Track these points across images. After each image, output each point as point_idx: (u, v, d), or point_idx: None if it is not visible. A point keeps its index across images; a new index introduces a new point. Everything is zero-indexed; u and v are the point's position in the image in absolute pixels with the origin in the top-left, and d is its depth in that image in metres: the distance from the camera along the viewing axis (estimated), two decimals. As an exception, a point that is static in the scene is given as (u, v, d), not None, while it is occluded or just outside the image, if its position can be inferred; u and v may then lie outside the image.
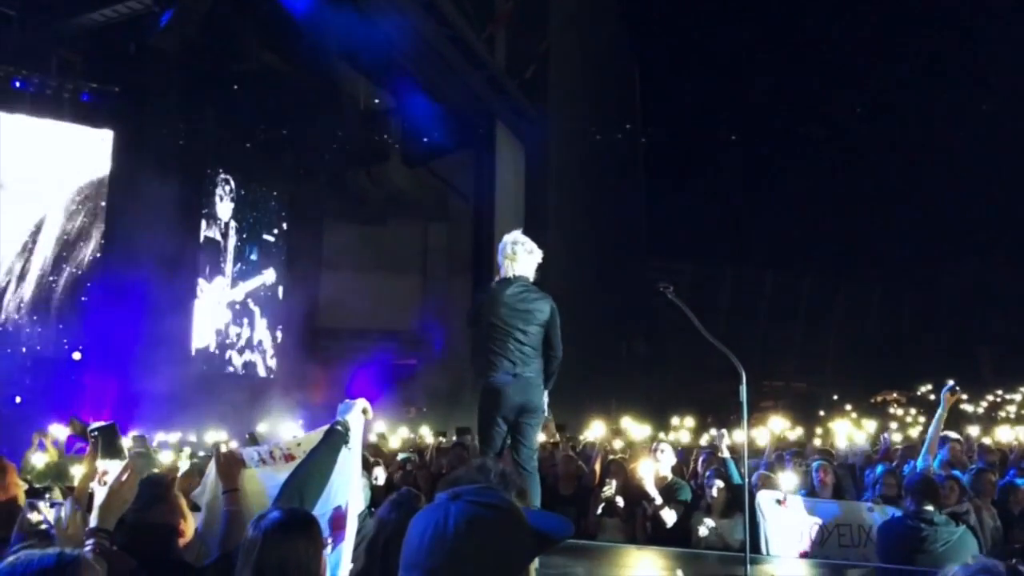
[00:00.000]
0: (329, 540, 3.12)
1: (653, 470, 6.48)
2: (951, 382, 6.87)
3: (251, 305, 21.49)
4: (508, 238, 5.38)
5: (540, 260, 5.36)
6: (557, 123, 24.29)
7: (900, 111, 41.05)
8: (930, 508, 5.01)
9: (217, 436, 11.92)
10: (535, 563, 1.56)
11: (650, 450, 7.46)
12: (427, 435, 13.03)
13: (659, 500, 6.25)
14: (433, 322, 21.84)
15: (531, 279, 5.30)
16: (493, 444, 5.19)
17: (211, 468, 3.61)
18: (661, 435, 10.94)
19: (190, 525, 3.18)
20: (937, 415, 6.79)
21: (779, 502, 5.99)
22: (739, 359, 4.61)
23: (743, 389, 4.47)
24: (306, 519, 2.63)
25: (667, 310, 5.01)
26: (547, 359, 5.19)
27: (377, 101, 22.63)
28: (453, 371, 21.74)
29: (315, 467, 3.25)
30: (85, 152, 16.47)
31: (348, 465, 3.33)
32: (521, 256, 5.27)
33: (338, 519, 3.26)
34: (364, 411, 3.50)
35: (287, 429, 11.10)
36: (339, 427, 3.38)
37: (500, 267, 5.37)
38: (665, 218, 36.17)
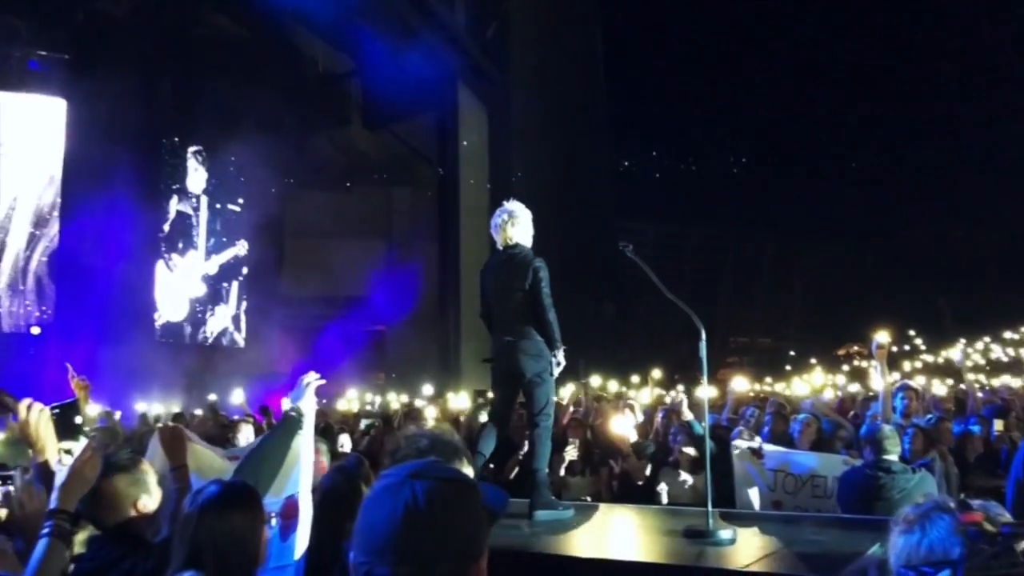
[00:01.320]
0: (273, 523, 3.12)
1: (628, 423, 6.59)
2: (879, 338, 7.02)
3: (224, 277, 21.34)
4: (497, 211, 5.52)
5: (527, 223, 5.44)
6: (520, 84, 24.12)
7: (861, 69, 41.28)
8: (888, 457, 5.11)
9: (190, 406, 11.91)
10: None
11: (619, 407, 7.55)
12: (394, 401, 13.07)
13: (631, 442, 6.37)
14: (400, 287, 21.77)
15: (526, 244, 5.40)
16: (495, 412, 5.48)
17: (154, 444, 3.60)
18: (630, 393, 11.04)
19: (155, 499, 3.15)
20: (878, 368, 6.99)
21: (754, 451, 6.08)
22: (704, 317, 4.65)
23: (703, 345, 4.51)
24: (245, 493, 2.58)
25: (634, 270, 5.03)
26: (540, 322, 5.20)
27: (336, 64, 22.31)
28: (421, 336, 21.75)
29: (270, 451, 3.24)
30: (44, 123, 16.16)
31: (301, 451, 3.34)
32: (507, 227, 5.38)
33: (290, 507, 3.26)
34: (312, 385, 3.50)
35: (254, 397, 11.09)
36: (293, 413, 3.37)
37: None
38: (630, 178, 36.27)
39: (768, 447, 6.17)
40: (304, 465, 3.31)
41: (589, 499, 6.31)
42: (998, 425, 7.49)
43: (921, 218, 42.04)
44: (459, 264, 22.12)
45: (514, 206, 5.42)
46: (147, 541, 2.98)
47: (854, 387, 15.46)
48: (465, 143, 22.76)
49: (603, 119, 34.22)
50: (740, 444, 6.14)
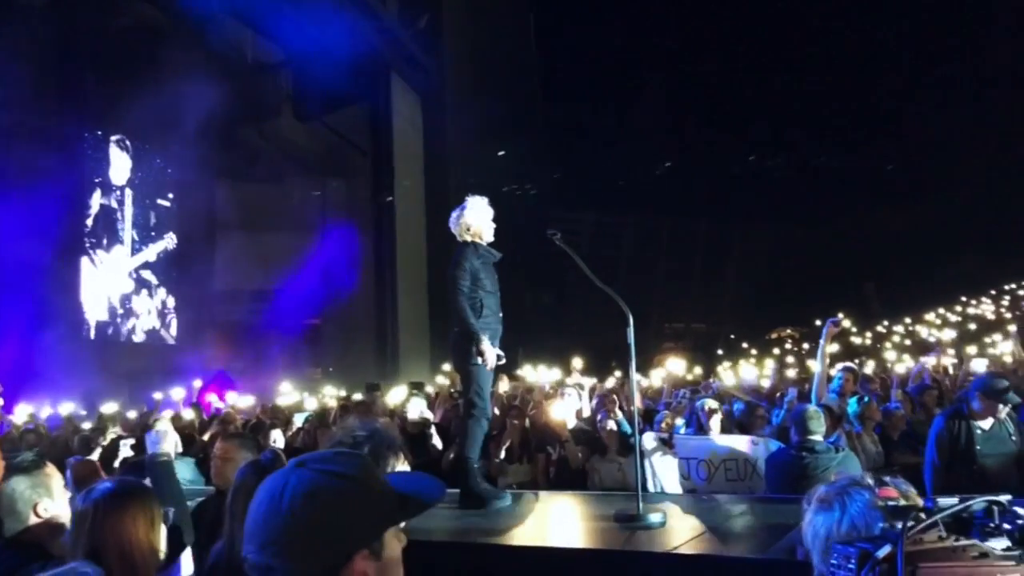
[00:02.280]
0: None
1: (567, 409, 6.66)
2: (835, 319, 7.17)
3: (152, 272, 20.85)
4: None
5: (467, 214, 5.44)
6: (453, 74, 24.02)
7: (795, 59, 42.06)
8: (812, 438, 5.26)
9: (114, 407, 11.64)
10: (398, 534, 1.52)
11: (557, 394, 7.63)
12: (330, 395, 12.95)
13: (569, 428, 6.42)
14: (335, 280, 21.55)
15: (466, 235, 5.42)
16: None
17: (68, 477, 3.56)
18: (567, 380, 11.12)
19: (59, 505, 3.03)
20: (820, 348, 7.13)
21: (664, 442, 6.20)
22: (640, 303, 4.72)
23: (630, 331, 4.56)
24: (140, 489, 2.56)
25: (571, 258, 5.08)
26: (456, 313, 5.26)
27: (266, 54, 21.92)
28: (358, 329, 21.58)
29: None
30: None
31: None
32: (454, 225, 5.47)
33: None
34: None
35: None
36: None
37: None
38: (565, 168, 36.38)
39: (679, 436, 6.31)
40: None
41: (515, 486, 6.35)
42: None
43: (850, 205, 43.07)
44: (395, 256, 21.99)
45: (467, 200, 5.50)
46: (48, 551, 2.83)
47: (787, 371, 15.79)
48: (399, 136, 22.60)
49: (537, 109, 34.28)
50: (650, 436, 6.28)
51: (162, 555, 2.56)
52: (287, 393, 13.03)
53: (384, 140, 22.71)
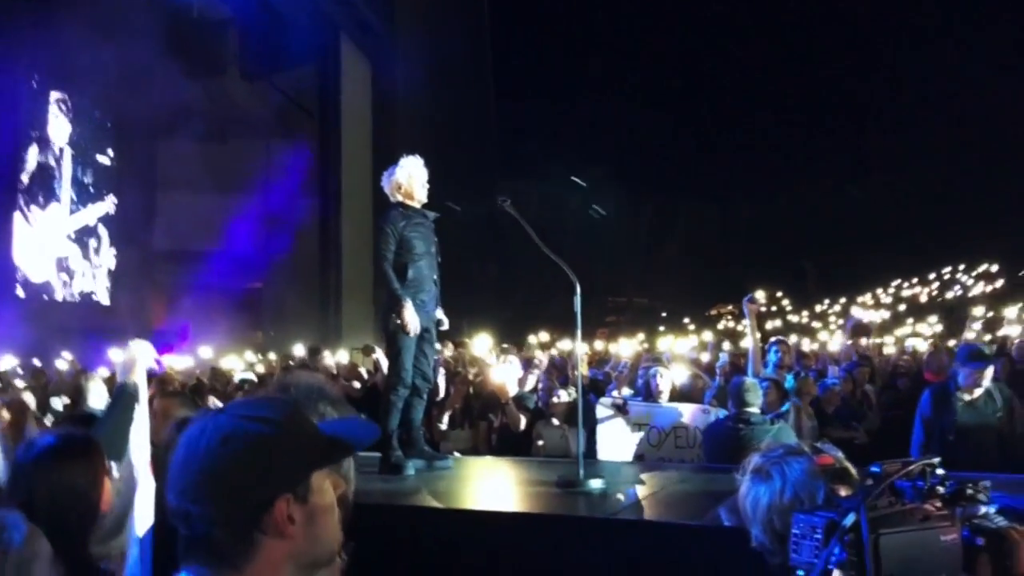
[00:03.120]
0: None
1: (509, 373, 6.68)
2: (750, 296, 7.33)
3: (90, 232, 20.27)
4: None
5: (396, 176, 5.35)
6: (405, 38, 23.68)
7: (743, 40, 42.39)
8: (748, 409, 5.35)
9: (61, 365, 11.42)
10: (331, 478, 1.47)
11: (498, 360, 7.65)
12: (271, 359, 12.82)
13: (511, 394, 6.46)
14: (278, 244, 21.19)
15: (395, 196, 5.35)
16: None
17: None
18: (505, 346, 11.15)
19: None
20: (748, 325, 7.30)
21: (618, 408, 6.25)
22: (584, 277, 4.69)
23: (577, 300, 4.57)
24: (84, 443, 2.50)
25: (518, 229, 5.04)
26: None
27: (212, 11, 21.30)
28: (300, 294, 21.31)
29: (112, 429, 3.15)
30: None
31: (140, 419, 3.28)
32: (385, 184, 5.41)
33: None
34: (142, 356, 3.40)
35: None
36: (128, 387, 3.30)
37: None
38: (514, 136, 36.29)
39: (633, 403, 6.37)
40: (139, 442, 3.21)
41: (458, 454, 6.35)
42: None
43: (792, 185, 43.78)
44: (340, 220, 21.71)
45: (401, 160, 5.38)
46: None
47: (725, 345, 16.04)
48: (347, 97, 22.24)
49: (488, 75, 34.04)
50: (604, 402, 6.33)
51: (108, 508, 2.51)
52: (227, 356, 12.85)
53: (332, 104, 22.28)
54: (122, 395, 3.27)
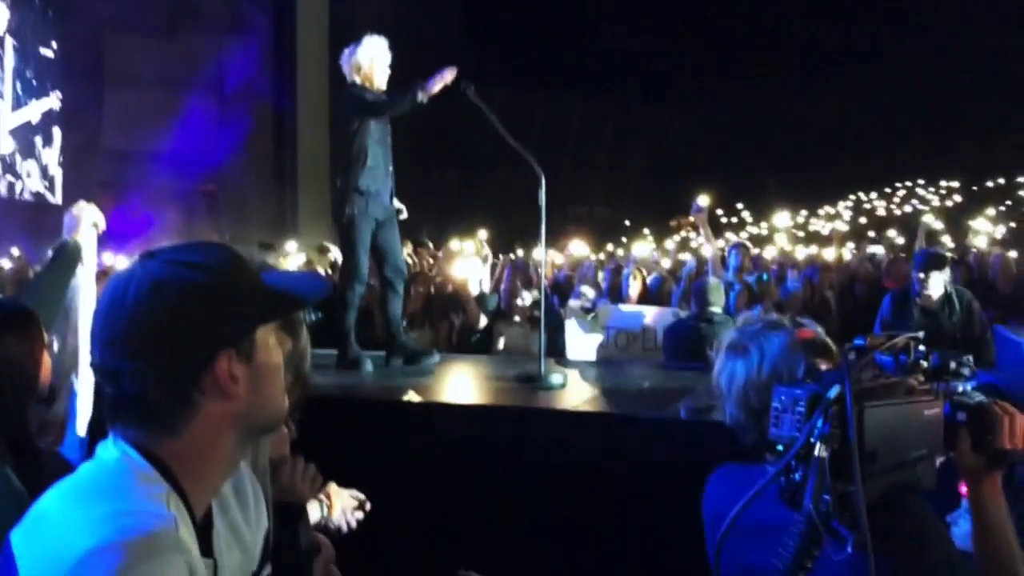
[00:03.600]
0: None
1: (473, 267, 6.60)
2: (699, 201, 7.34)
3: (36, 130, 19.52)
4: None
5: (357, 55, 4.98)
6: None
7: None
8: (711, 309, 5.34)
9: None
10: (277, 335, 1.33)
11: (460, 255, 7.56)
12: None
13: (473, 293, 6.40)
14: (232, 142, 20.63)
15: (356, 78, 4.97)
16: None
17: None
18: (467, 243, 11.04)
19: None
20: (703, 233, 7.33)
21: (587, 310, 6.21)
22: (547, 186, 4.49)
23: (541, 194, 4.42)
24: (17, 314, 2.33)
25: (481, 136, 4.86)
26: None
27: None
28: (255, 193, 20.94)
29: (47, 285, 2.98)
30: None
31: (84, 283, 3.11)
32: (345, 64, 5.03)
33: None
34: (95, 224, 3.21)
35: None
36: (69, 244, 3.12)
37: None
38: (479, 40, 35.44)
39: (601, 304, 6.32)
40: (84, 308, 3.05)
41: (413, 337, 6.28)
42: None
43: (754, 96, 43.66)
44: (296, 117, 21.20)
45: (364, 39, 5.04)
46: None
47: (685, 255, 16.12)
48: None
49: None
50: (573, 303, 6.28)
51: (47, 379, 2.38)
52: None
53: (287, -3, 21.53)
54: (61, 253, 3.10)
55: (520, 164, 4.62)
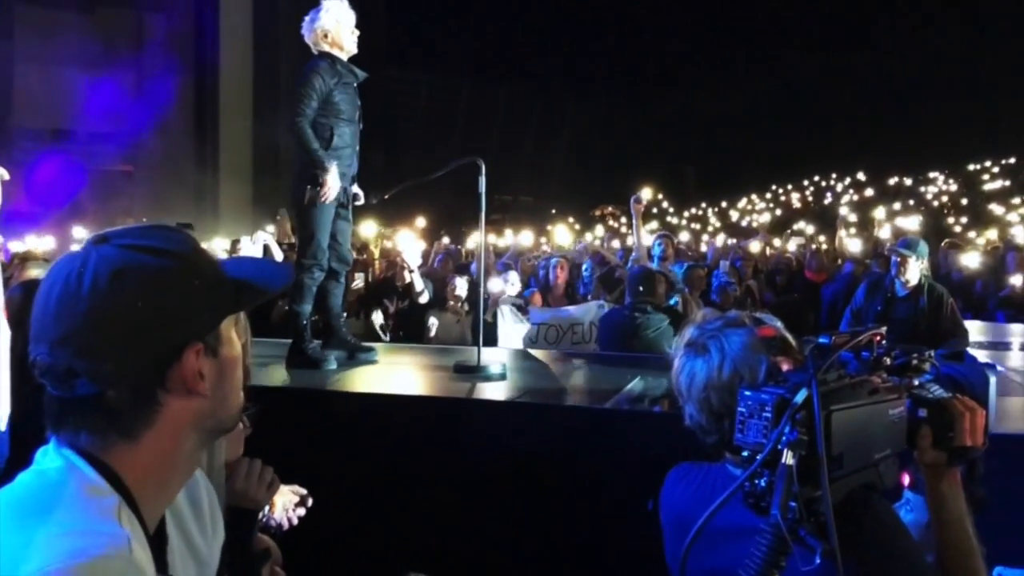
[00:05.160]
0: None
1: (410, 244, 6.57)
2: (636, 195, 7.59)
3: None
4: None
5: (321, 20, 4.46)
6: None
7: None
8: (645, 299, 5.40)
9: None
10: (242, 331, 1.27)
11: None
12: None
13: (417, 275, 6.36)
14: (149, 123, 19.97)
15: (320, 46, 4.51)
16: None
17: None
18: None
19: None
20: (634, 223, 7.48)
21: (520, 309, 6.24)
22: (470, 169, 4.40)
23: (482, 180, 4.35)
24: None
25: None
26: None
27: None
28: (174, 176, 20.34)
29: None
30: None
31: None
32: (307, 32, 4.53)
33: None
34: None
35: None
36: None
37: None
38: (404, 25, 35.06)
39: (533, 310, 6.37)
40: None
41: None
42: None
43: (674, 87, 44.36)
44: (218, 99, 20.64)
45: (324, 2, 4.50)
46: None
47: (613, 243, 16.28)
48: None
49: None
50: (504, 308, 6.29)
51: None
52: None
53: (210, -27, 20.91)
54: None
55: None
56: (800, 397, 1.33)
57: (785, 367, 1.64)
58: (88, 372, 1.06)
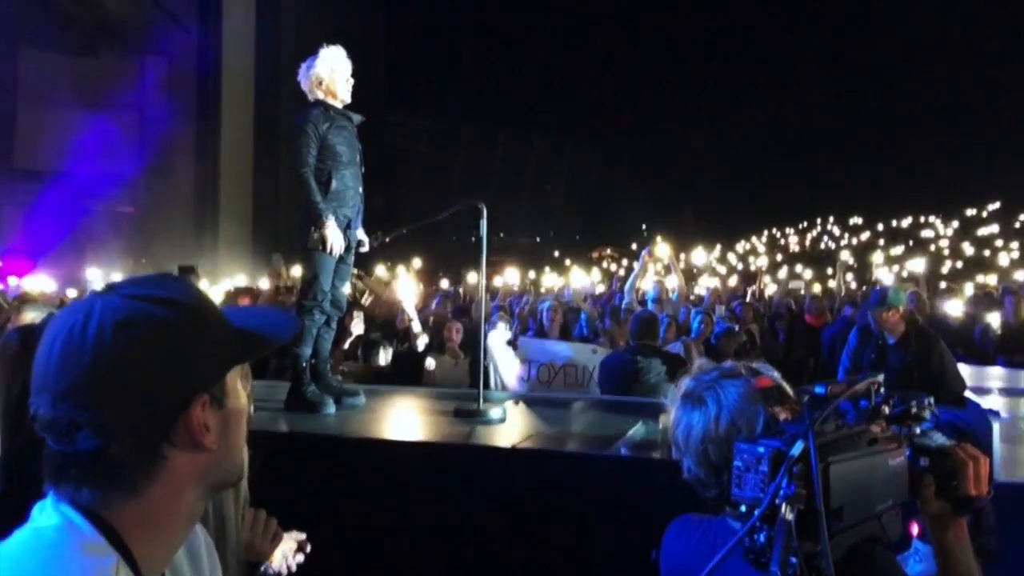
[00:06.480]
0: None
1: (407, 291, 6.56)
2: (649, 248, 7.62)
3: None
4: None
5: (317, 68, 4.60)
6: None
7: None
8: (648, 344, 5.40)
9: None
10: (246, 380, 1.25)
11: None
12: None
13: (415, 320, 6.35)
14: (152, 165, 20.10)
15: (315, 94, 4.62)
16: None
17: None
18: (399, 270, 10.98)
19: None
20: (637, 267, 7.52)
21: (510, 343, 6.22)
22: (472, 212, 4.46)
23: (483, 224, 4.38)
24: None
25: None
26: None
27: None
28: (175, 218, 20.42)
29: None
30: None
31: None
32: (304, 80, 4.66)
33: None
34: None
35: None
36: None
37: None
38: (406, 71, 35.49)
39: (524, 339, 6.36)
40: None
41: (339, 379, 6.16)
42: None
43: (670, 131, 44.80)
44: (219, 140, 20.79)
45: (321, 51, 4.65)
46: None
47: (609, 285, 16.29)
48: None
49: (379, 7, 33.20)
50: (497, 334, 6.29)
51: None
52: (95, 281, 12.19)
53: (213, 20, 21.15)
54: None
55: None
56: (797, 449, 1.31)
57: (783, 417, 1.63)
58: (91, 425, 1.03)
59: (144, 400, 1.05)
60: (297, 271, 9.45)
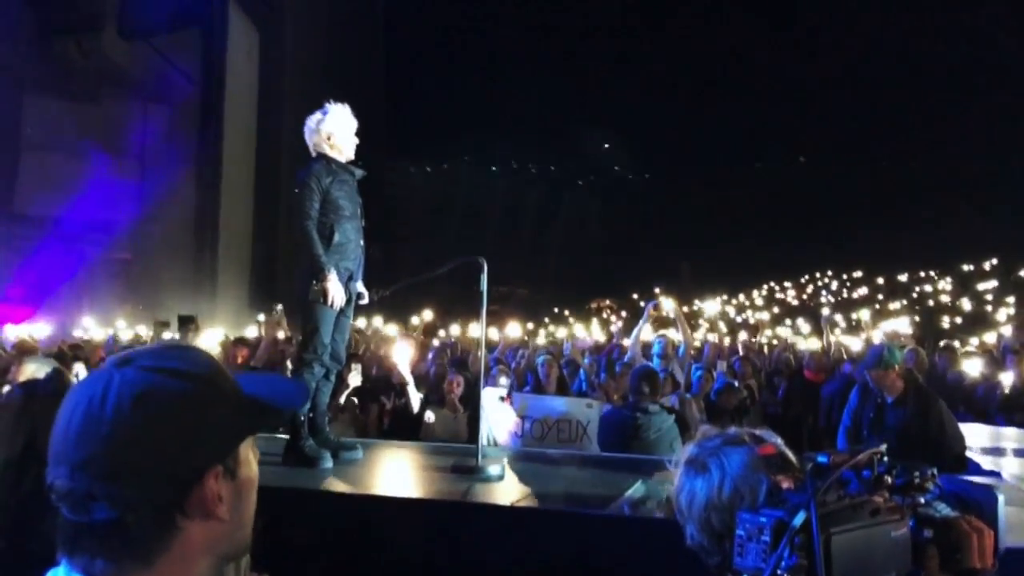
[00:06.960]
0: None
1: (403, 354, 6.53)
2: (655, 301, 7.61)
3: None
4: None
5: (326, 124, 4.62)
6: (296, 11, 23.03)
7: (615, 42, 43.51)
8: (647, 400, 5.38)
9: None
10: (252, 448, 1.23)
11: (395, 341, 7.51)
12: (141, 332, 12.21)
13: (411, 383, 6.31)
14: (152, 211, 20.19)
15: (317, 148, 4.64)
16: None
17: None
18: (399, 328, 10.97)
19: None
20: (642, 321, 7.50)
21: (502, 399, 6.19)
22: (470, 263, 4.49)
23: (483, 279, 4.39)
24: None
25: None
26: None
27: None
28: (174, 264, 20.46)
29: None
30: None
31: None
32: (310, 136, 4.67)
33: None
34: None
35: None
36: None
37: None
38: (404, 116, 35.90)
39: (518, 394, 6.33)
40: None
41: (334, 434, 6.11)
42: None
43: (667, 183, 45.17)
44: (219, 189, 20.91)
45: (328, 106, 4.68)
46: None
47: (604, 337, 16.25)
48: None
49: (380, 56, 33.64)
50: (489, 391, 6.26)
51: None
52: (91, 328, 12.18)
53: (216, 69, 21.43)
54: None
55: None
56: (799, 520, 1.32)
57: (786, 485, 1.62)
58: (108, 496, 1.05)
59: (160, 472, 1.07)
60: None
